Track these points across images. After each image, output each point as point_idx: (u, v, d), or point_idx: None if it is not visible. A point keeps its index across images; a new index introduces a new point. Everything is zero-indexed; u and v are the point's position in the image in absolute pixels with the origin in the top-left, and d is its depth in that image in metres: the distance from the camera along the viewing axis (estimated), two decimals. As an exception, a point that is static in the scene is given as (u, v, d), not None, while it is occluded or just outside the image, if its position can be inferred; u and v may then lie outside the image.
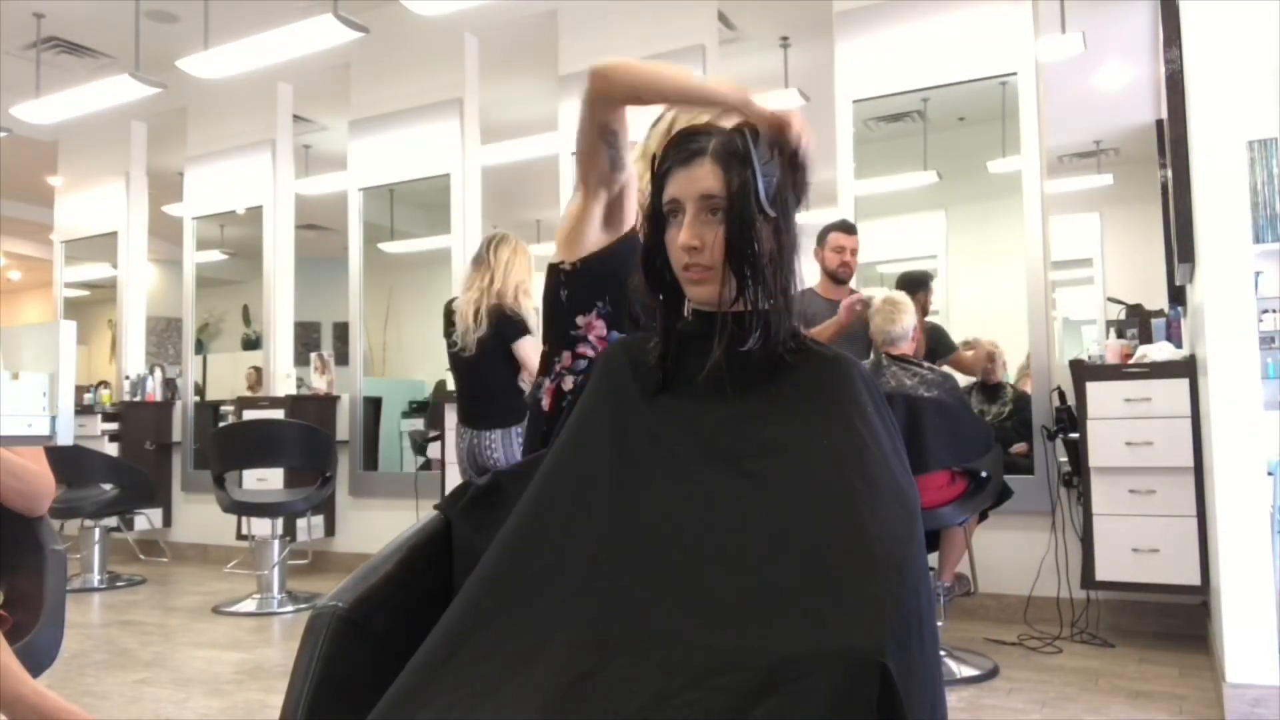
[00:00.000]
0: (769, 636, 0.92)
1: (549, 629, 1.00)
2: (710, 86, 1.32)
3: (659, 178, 1.20)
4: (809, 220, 7.98)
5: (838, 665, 0.87)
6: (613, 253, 1.50)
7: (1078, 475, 3.61)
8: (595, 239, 1.50)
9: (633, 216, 1.51)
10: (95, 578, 5.26)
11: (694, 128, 1.22)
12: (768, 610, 0.95)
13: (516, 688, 0.95)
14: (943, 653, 3.29)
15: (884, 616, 0.92)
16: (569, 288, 1.53)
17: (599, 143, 1.41)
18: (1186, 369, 3.36)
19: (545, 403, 1.53)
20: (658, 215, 1.21)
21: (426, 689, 0.99)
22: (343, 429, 5.59)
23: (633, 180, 1.50)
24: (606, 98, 1.36)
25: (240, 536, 5.58)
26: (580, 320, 1.52)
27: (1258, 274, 2.82)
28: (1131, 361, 3.55)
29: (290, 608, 4.54)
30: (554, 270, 1.54)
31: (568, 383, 1.53)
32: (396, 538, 1.30)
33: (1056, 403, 3.86)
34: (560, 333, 1.54)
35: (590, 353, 1.53)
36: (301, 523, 5.08)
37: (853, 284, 4.24)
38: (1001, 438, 3.55)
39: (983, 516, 3.43)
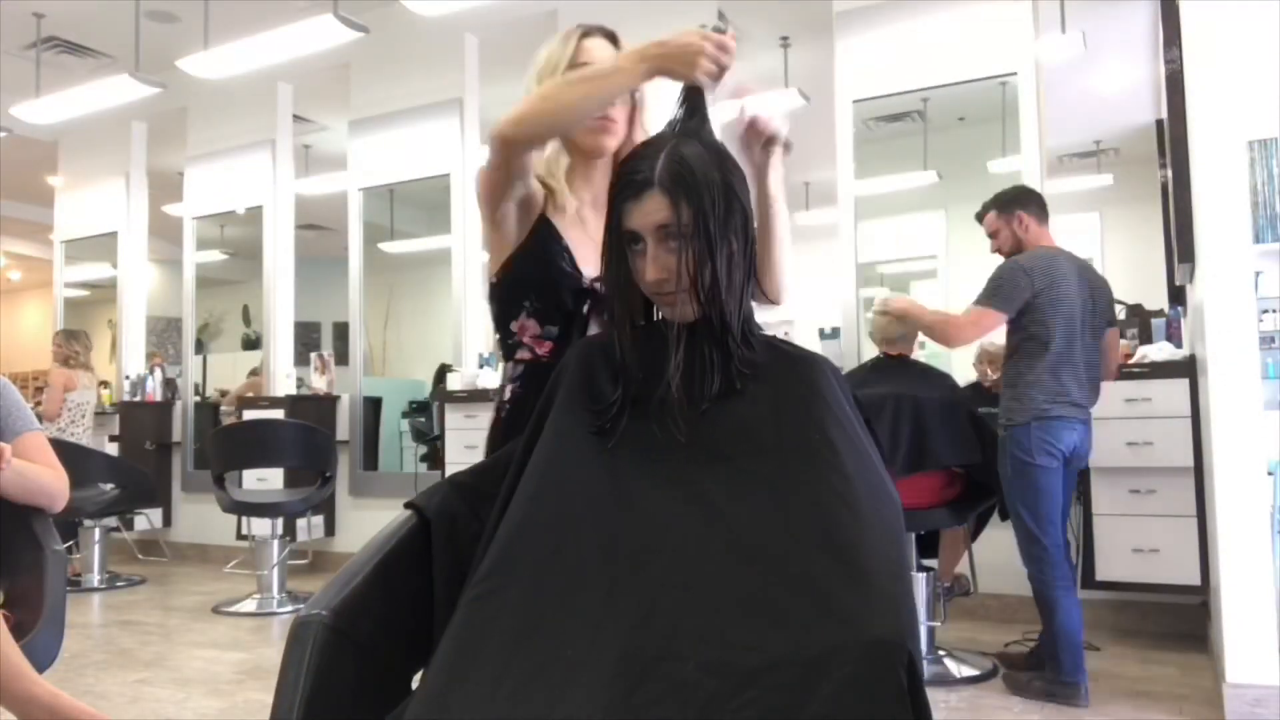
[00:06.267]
0: (800, 630, 0.92)
1: (585, 643, 0.98)
2: (626, 74, 1.29)
3: (613, 205, 1.20)
4: (809, 221, 8.01)
5: (872, 655, 0.88)
6: (530, 248, 1.50)
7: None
8: (511, 241, 1.51)
9: (539, 203, 1.51)
10: (95, 578, 5.26)
11: (639, 150, 1.21)
12: (791, 606, 0.95)
13: (570, 707, 0.94)
14: (942, 652, 3.29)
15: (901, 607, 0.94)
16: (498, 300, 1.54)
17: (514, 184, 1.44)
18: (1186, 369, 3.36)
19: (494, 419, 1.56)
20: (616, 238, 1.20)
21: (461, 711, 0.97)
22: (343, 429, 5.59)
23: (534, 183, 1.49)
24: (521, 151, 1.38)
25: (240, 536, 5.59)
26: (513, 326, 1.52)
27: (1258, 274, 2.82)
28: (1131, 361, 3.55)
29: (290, 608, 4.54)
30: (489, 290, 1.56)
31: (506, 393, 1.54)
32: (373, 539, 1.28)
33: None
34: (503, 345, 1.56)
35: (527, 355, 1.52)
36: (301, 523, 5.09)
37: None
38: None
39: (980, 525, 3.42)
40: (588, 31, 1.57)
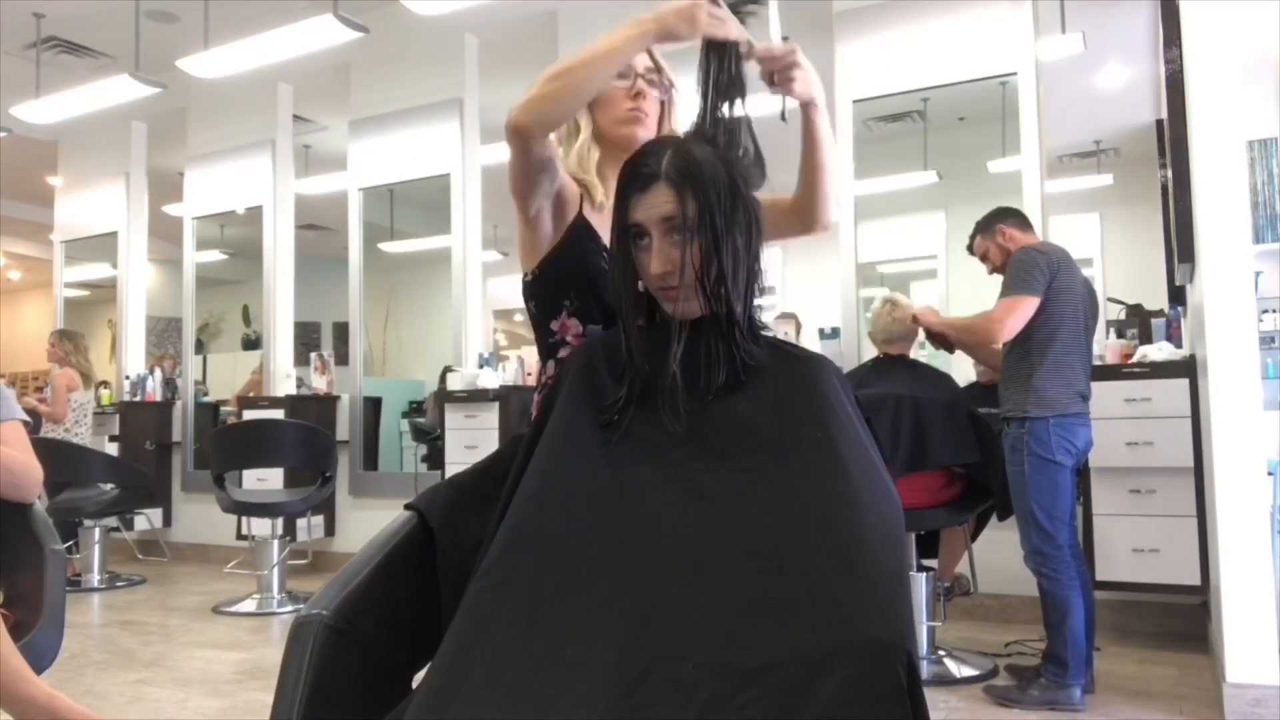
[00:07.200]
0: (800, 630, 0.92)
1: (586, 641, 0.98)
2: (629, 40, 1.29)
3: (619, 200, 1.21)
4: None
5: (872, 655, 0.88)
6: (565, 249, 1.47)
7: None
8: (547, 240, 1.48)
9: (575, 201, 1.49)
10: (95, 578, 5.26)
11: (646, 147, 1.22)
12: (791, 605, 0.95)
13: (570, 706, 0.94)
14: (942, 652, 3.28)
15: (900, 607, 0.95)
16: (535, 297, 1.51)
17: (539, 177, 1.39)
18: (1186, 369, 3.36)
19: (534, 413, 1.51)
20: (624, 233, 1.21)
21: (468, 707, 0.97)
22: (343, 429, 5.59)
23: (562, 172, 1.47)
24: (538, 137, 1.34)
25: (240, 536, 5.59)
26: (554, 325, 1.49)
27: (1258, 274, 2.82)
28: (1131, 361, 3.55)
29: (290, 608, 4.54)
30: (523, 286, 1.54)
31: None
32: (373, 539, 1.28)
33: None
34: (542, 344, 1.53)
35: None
36: (301, 523, 5.08)
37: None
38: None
39: (980, 525, 3.42)
40: None
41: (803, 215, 1.46)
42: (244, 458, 4.98)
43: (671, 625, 0.97)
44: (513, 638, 1.01)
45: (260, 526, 4.87)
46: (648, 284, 1.22)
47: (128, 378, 6.66)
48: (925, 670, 3.14)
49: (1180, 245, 2.99)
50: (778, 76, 1.29)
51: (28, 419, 2.07)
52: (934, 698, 2.87)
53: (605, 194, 1.49)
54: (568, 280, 1.47)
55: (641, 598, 1.00)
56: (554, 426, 1.19)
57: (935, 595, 3.29)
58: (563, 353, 1.49)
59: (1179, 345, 3.72)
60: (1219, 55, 2.62)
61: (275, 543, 4.66)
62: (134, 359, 6.79)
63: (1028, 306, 2.87)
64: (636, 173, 1.19)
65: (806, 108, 1.35)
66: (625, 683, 0.93)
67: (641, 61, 1.52)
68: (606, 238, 1.45)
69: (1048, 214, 3.98)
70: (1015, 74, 4.08)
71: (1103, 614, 3.62)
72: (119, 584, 5.30)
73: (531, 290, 1.52)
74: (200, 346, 6.95)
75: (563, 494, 1.12)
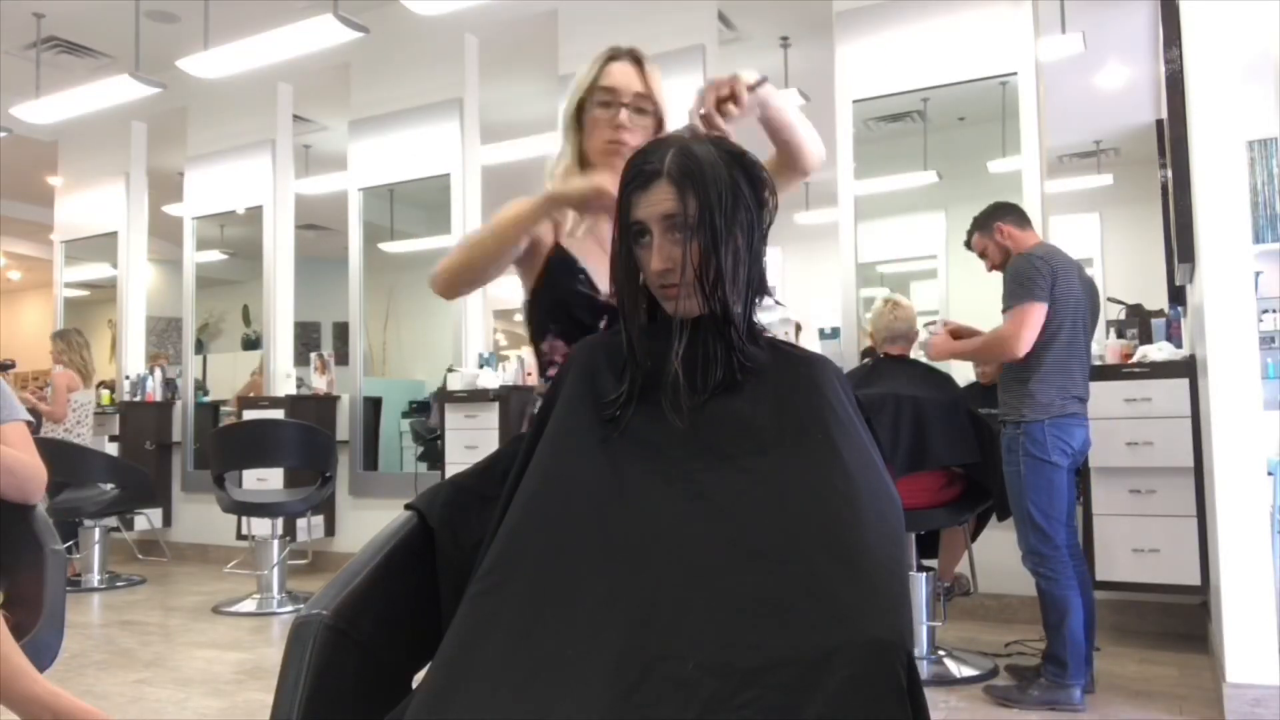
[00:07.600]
0: (801, 630, 0.92)
1: (586, 641, 0.98)
2: (533, 210, 1.44)
3: (622, 197, 1.22)
4: (809, 221, 7.97)
5: (872, 655, 0.89)
6: (544, 281, 1.57)
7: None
8: (531, 272, 1.59)
9: (548, 233, 1.57)
10: (95, 578, 5.26)
11: (650, 145, 1.23)
12: (791, 604, 0.95)
13: (570, 706, 0.94)
14: (942, 652, 3.28)
15: (900, 608, 0.95)
16: (528, 320, 1.62)
17: (509, 264, 1.54)
18: (1186, 369, 3.36)
19: (534, 411, 1.54)
20: (626, 231, 1.21)
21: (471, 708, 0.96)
22: (343, 429, 5.59)
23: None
24: (462, 294, 1.55)
25: (240, 536, 5.59)
26: (544, 346, 1.59)
27: (1258, 274, 2.82)
28: (1131, 361, 3.55)
29: (290, 608, 4.54)
30: (524, 305, 1.65)
31: (538, 405, 1.58)
32: (374, 539, 1.28)
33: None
34: (539, 362, 1.62)
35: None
36: (301, 523, 5.09)
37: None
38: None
39: (980, 525, 3.42)
40: (615, 55, 1.59)
41: (789, 167, 1.55)
42: (244, 458, 4.98)
43: (671, 625, 0.97)
44: (513, 638, 1.01)
45: (260, 526, 4.87)
46: (649, 282, 1.22)
47: (128, 378, 6.66)
48: (925, 670, 3.15)
49: (1180, 245, 2.99)
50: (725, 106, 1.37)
51: (31, 419, 2.07)
52: (934, 698, 2.87)
53: (577, 223, 1.57)
54: (550, 308, 1.57)
55: (641, 598, 1.00)
56: (554, 426, 1.19)
57: (935, 595, 3.29)
58: (551, 371, 1.56)
59: (1179, 345, 3.72)
60: (1219, 55, 2.62)
61: (275, 543, 4.66)
62: (134, 359, 6.79)
63: (1038, 314, 2.85)
64: (639, 170, 1.19)
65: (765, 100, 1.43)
66: (625, 682, 0.93)
67: (630, 89, 1.56)
68: (588, 260, 1.54)
69: (1048, 214, 3.98)
70: (1015, 74, 4.08)
71: (1103, 614, 3.62)
72: (119, 584, 5.30)
73: (526, 313, 1.63)
74: (200, 346, 6.95)
75: (563, 494, 1.12)
